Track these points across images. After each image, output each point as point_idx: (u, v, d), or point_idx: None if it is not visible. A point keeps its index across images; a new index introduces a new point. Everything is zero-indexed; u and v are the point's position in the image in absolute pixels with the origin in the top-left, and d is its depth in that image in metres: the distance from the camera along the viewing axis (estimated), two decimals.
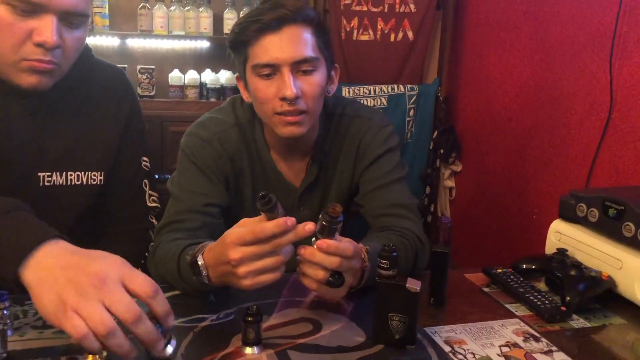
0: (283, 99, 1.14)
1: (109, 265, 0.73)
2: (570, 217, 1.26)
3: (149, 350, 0.74)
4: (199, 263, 0.96)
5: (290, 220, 0.84)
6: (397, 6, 2.47)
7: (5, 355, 0.80)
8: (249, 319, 0.86)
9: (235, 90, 2.45)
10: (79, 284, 0.70)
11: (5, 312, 0.88)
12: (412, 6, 2.48)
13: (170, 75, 2.38)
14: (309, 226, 0.86)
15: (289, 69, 1.14)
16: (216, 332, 0.93)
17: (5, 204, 0.83)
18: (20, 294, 0.75)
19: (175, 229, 1.17)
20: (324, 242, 0.87)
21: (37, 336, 0.89)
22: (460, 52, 2.63)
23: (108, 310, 0.69)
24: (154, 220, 1.35)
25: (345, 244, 0.89)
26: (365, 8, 2.43)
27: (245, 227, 0.87)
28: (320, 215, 0.87)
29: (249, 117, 1.29)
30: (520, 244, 2.25)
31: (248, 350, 0.87)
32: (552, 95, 2.07)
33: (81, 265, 0.72)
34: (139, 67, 2.30)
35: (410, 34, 2.51)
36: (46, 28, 1.04)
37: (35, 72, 1.08)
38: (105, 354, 0.74)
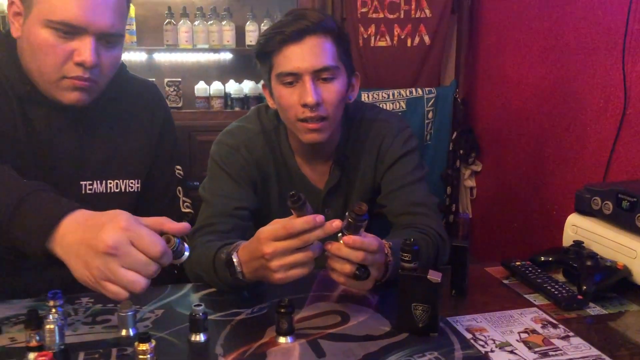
0: (304, 105, 1.21)
1: (116, 232, 0.79)
2: (586, 211, 1.31)
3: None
4: (234, 260, 1.03)
5: (319, 217, 0.92)
6: (412, 12, 2.53)
7: (62, 347, 0.88)
8: (282, 310, 0.93)
9: (258, 99, 2.53)
10: (96, 256, 0.79)
11: (59, 309, 0.97)
12: (427, 11, 2.54)
13: (196, 87, 2.47)
14: (336, 223, 0.93)
15: (310, 77, 1.21)
16: (252, 325, 1.00)
17: (27, 186, 0.90)
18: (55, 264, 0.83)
19: (208, 232, 1.25)
20: (350, 238, 0.94)
21: (89, 331, 0.98)
22: (476, 54, 2.68)
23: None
24: None
25: (370, 239, 0.96)
26: (381, 15, 2.50)
27: (279, 223, 0.94)
28: (346, 214, 0.94)
29: (274, 124, 1.37)
30: (541, 240, 2.29)
31: (282, 339, 0.94)
32: (568, 94, 2.10)
33: (92, 236, 0.79)
34: (166, 80, 2.39)
35: (426, 39, 2.57)
36: (85, 49, 1.12)
37: (76, 89, 1.16)
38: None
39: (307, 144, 1.30)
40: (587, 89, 2.01)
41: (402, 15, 2.53)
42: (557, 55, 2.16)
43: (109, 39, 1.16)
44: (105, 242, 0.78)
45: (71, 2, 1.09)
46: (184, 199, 1.44)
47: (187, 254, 0.87)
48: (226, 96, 2.49)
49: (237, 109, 2.46)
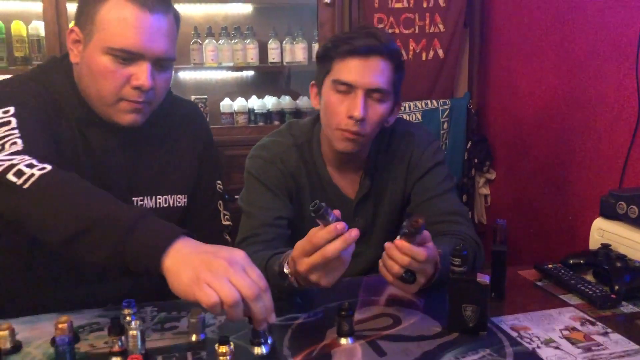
0: (351, 117, 1.29)
1: (236, 254, 0.88)
2: (611, 215, 1.38)
3: (256, 325, 0.89)
4: (286, 272, 1.10)
5: (340, 225, 0.98)
6: (427, 27, 2.63)
7: (144, 352, 0.95)
8: (343, 313, 1.00)
9: (280, 113, 2.62)
10: (211, 264, 0.85)
11: (133, 317, 1.04)
12: (441, 26, 2.64)
13: (221, 103, 2.55)
14: (355, 232, 0.99)
15: (363, 92, 1.29)
16: (311, 328, 1.07)
17: (142, 209, 0.99)
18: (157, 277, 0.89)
19: (253, 242, 1.33)
20: (401, 242, 1.01)
21: (160, 337, 1.05)
22: (488, 66, 2.77)
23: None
24: (228, 238, 1.48)
25: (418, 250, 1.01)
26: (397, 30, 2.59)
27: (305, 238, 1.01)
28: (404, 222, 1.01)
29: (307, 137, 1.45)
30: (557, 245, 2.36)
31: (343, 340, 1.01)
32: (581, 103, 2.19)
33: (213, 252, 0.88)
34: (193, 97, 2.46)
35: (440, 52, 2.66)
36: (142, 73, 1.20)
37: (133, 112, 1.23)
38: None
39: (339, 153, 1.38)
40: (600, 98, 2.09)
41: (416, 31, 2.62)
42: (569, 66, 2.25)
43: (163, 64, 1.24)
44: (239, 254, 0.88)
45: (130, 31, 1.17)
46: (224, 212, 1.50)
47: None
48: (249, 112, 2.57)
49: (260, 123, 2.54)
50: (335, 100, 1.31)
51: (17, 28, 2.31)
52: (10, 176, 1.01)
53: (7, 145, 1.08)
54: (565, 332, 1.04)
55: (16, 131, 1.12)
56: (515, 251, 2.61)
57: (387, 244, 1.04)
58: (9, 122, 1.13)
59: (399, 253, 1.02)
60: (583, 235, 2.18)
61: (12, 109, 1.16)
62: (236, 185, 1.53)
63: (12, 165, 1.03)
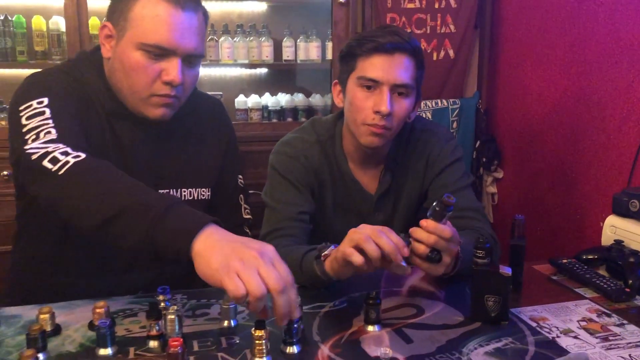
0: (377, 112, 1.33)
1: (267, 247, 0.90)
2: (623, 213, 1.42)
3: (277, 320, 0.89)
4: (325, 253, 1.14)
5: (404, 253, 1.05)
6: (438, 27, 2.66)
7: (180, 335, 0.99)
8: (371, 301, 1.04)
9: (293, 110, 2.66)
10: (243, 253, 0.87)
11: (167, 303, 1.08)
12: (452, 27, 2.67)
13: (236, 99, 2.59)
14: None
15: (388, 88, 1.33)
16: (338, 316, 1.12)
17: (174, 197, 1.03)
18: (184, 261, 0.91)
19: (278, 236, 1.37)
20: (427, 221, 1.06)
21: (193, 323, 1.09)
22: (498, 66, 2.81)
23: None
24: (248, 231, 1.52)
25: (444, 227, 1.06)
26: (409, 30, 2.62)
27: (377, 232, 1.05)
28: (434, 202, 1.06)
29: (330, 133, 1.49)
30: (563, 242, 2.40)
31: (370, 328, 1.05)
32: (590, 105, 2.22)
33: (244, 242, 0.90)
34: (209, 94, 2.51)
35: (451, 53, 2.70)
36: (173, 69, 1.24)
37: (162, 106, 1.27)
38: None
39: (361, 149, 1.42)
40: (609, 100, 2.13)
41: (428, 31, 2.66)
42: (579, 67, 2.28)
43: (192, 60, 1.28)
44: (269, 247, 0.90)
45: (163, 27, 1.21)
46: (245, 206, 1.55)
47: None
48: (263, 108, 2.61)
49: (274, 120, 2.58)
50: (361, 97, 1.36)
51: (38, 23, 2.35)
52: (46, 163, 1.05)
53: (41, 134, 1.12)
54: (583, 323, 1.08)
55: (50, 121, 1.15)
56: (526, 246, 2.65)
57: (413, 228, 1.08)
58: (43, 112, 1.17)
59: (425, 233, 1.06)
60: (590, 232, 2.23)
61: (46, 100, 1.20)
62: (249, 180, 1.58)
63: (48, 153, 1.06)
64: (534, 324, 1.08)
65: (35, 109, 1.18)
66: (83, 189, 1.02)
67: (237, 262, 0.85)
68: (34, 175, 1.08)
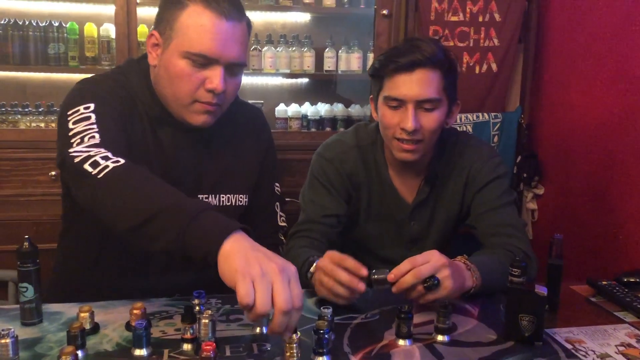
0: (403, 129, 1.36)
1: (289, 266, 0.92)
2: None
3: (268, 329, 0.92)
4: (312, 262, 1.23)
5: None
6: (481, 41, 2.64)
7: (214, 339, 1.01)
8: (403, 315, 1.04)
9: (332, 120, 2.68)
10: (265, 263, 0.89)
11: (202, 307, 1.10)
12: (495, 41, 2.65)
13: (277, 108, 2.63)
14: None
15: (412, 105, 1.35)
16: (369, 328, 1.12)
17: (205, 203, 1.08)
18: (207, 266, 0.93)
19: (302, 236, 1.43)
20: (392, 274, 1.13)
21: (226, 328, 1.11)
22: (541, 82, 2.76)
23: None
24: (282, 238, 1.55)
25: (404, 264, 1.12)
26: (452, 43, 2.61)
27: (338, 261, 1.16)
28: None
29: (372, 139, 1.52)
30: (605, 262, 2.33)
31: (401, 342, 1.05)
32: (636, 124, 2.17)
33: (268, 254, 0.92)
34: (250, 102, 2.56)
35: (494, 66, 2.67)
36: (216, 77, 1.27)
37: (205, 113, 1.31)
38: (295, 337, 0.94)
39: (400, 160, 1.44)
40: None
41: (471, 44, 2.64)
42: (626, 86, 2.23)
43: (234, 69, 1.31)
44: (291, 267, 0.91)
45: (207, 37, 1.24)
46: (280, 213, 1.57)
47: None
48: (302, 118, 2.63)
49: (313, 129, 2.60)
50: (388, 115, 1.39)
51: (90, 30, 2.43)
52: (87, 166, 1.09)
53: (85, 139, 1.17)
54: (621, 348, 1.06)
55: (95, 126, 1.20)
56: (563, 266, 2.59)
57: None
58: (89, 118, 1.22)
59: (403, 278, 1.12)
60: (632, 254, 2.16)
61: (92, 106, 1.24)
62: (286, 189, 1.61)
63: (89, 157, 1.11)
64: (569, 346, 1.06)
65: (82, 113, 1.23)
66: (119, 194, 1.05)
67: (256, 270, 0.88)
68: (76, 178, 1.12)
